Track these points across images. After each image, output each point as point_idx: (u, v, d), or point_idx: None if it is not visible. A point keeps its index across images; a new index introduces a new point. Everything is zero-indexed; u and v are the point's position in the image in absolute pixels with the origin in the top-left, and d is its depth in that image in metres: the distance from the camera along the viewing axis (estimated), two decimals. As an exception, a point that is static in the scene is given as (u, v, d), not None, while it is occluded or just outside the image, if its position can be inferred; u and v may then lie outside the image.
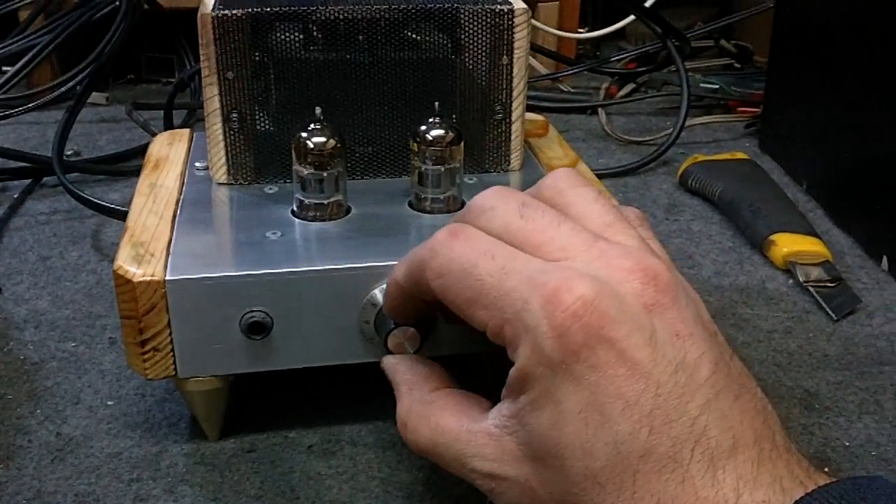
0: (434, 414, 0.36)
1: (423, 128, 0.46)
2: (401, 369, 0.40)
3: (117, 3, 0.75)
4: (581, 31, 1.02)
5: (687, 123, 0.83)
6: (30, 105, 0.75)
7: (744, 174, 0.70)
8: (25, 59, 0.74)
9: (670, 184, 0.75)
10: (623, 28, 0.98)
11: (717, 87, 0.93)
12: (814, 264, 0.60)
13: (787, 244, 0.61)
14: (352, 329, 0.42)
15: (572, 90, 0.95)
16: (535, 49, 0.95)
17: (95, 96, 0.90)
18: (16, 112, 0.75)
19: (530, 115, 0.58)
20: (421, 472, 0.43)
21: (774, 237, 0.62)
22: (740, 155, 0.74)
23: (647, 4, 0.86)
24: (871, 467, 0.44)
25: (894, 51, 0.60)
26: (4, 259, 0.62)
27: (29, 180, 0.72)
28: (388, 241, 0.44)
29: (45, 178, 0.72)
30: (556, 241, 0.33)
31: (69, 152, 0.76)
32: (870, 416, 0.48)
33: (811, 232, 0.63)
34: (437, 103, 0.46)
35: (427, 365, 0.40)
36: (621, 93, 0.93)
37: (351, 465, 0.44)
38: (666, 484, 0.29)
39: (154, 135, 0.59)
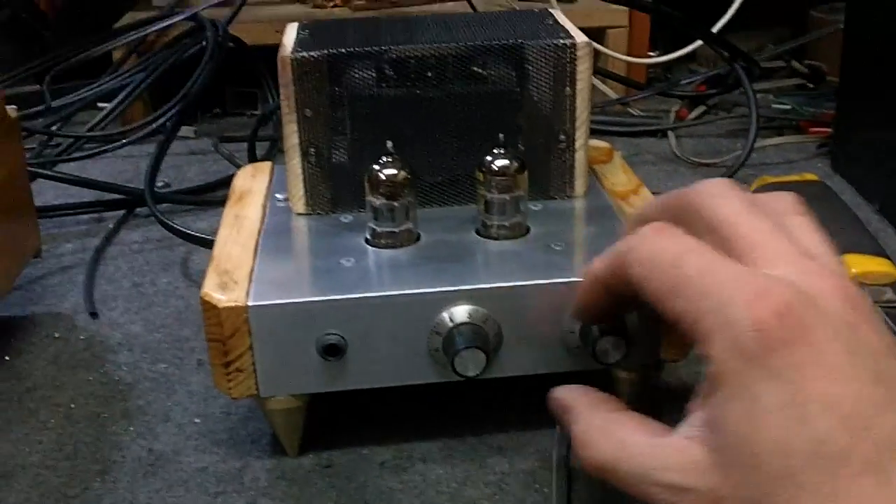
0: (618, 430, 0.37)
1: (489, 158, 0.48)
2: (576, 394, 0.40)
3: (204, 43, 0.80)
4: (652, 54, 1.03)
5: (758, 145, 0.84)
6: (124, 140, 0.80)
7: (812, 195, 0.69)
8: (120, 97, 0.79)
9: (740, 206, 0.75)
10: (693, 51, 0.98)
11: (789, 107, 0.93)
12: (883, 285, 0.60)
13: (855, 265, 0.61)
14: (421, 351, 0.45)
15: (642, 114, 0.96)
16: (605, 74, 0.96)
17: (184, 130, 0.94)
18: (111, 147, 0.80)
19: (595, 142, 0.60)
20: (488, 488, 0.45)
21: (843, 258, 0.62)
22: (809, 176, 0.74)
23: (715, 29, 0.87)
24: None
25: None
26: (101, 286, 0.66)
27: (123, 211, 0.76)
28: (456, 267, 0.46)
29: (137, 209, 0.77)
30: (769, 246, 0.34)
31: (160, 184, 0.81)
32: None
33: (881, 252, 0.63)
34: (501, 135, 0.48)
35: (601, 392, 0.41)
36: (691, 115, 0.94)
37: (421, 481, 0.46)
38: (865, 487, 0.29)
39: (238, 167, 0.62)
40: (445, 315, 0.44)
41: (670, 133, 0.90)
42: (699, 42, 0.91)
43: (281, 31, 0.55)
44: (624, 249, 0.37)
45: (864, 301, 0.33)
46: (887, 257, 0.62)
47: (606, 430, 0.37)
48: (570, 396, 0.41)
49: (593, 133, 0.87)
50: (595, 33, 0.96)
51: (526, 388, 0.49)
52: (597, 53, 0.98)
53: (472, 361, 0.44)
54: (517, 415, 0.50)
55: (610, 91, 0.97)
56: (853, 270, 0.61)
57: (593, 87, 0.98)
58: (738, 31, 0.99)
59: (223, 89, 1.01)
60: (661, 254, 0.35)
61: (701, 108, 0.95)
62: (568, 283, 0.44)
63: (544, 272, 0.45)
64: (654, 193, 0.55)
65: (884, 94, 0.72)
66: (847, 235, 0.65)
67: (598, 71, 0.97)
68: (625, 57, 0.95)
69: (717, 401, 0.33)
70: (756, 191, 0.73)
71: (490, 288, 0.44)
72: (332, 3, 0.99)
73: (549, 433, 0.48)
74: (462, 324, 0.44)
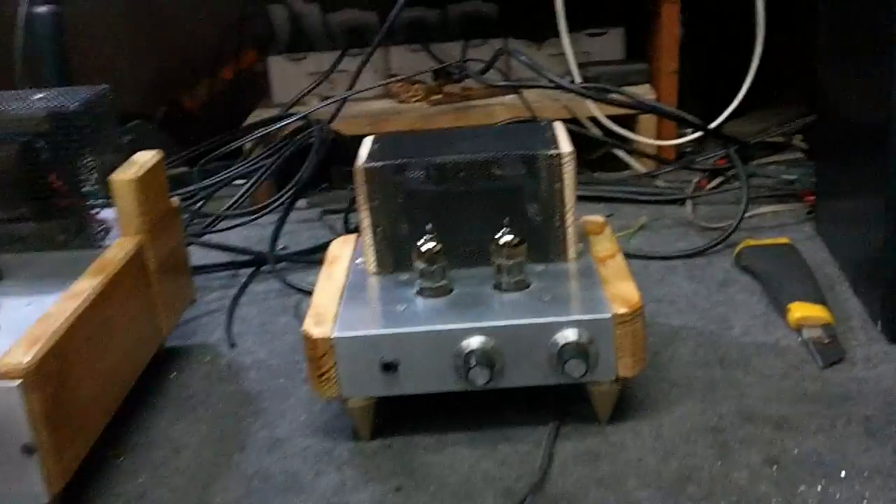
0: None
1: (498, 236, 0.69)
2: None
3: (312, 139, 1.04)
4: (686, 132, 1.22)
5: (757, 212, 1.02)
6: (255, 216, 1.05)
7: (780, 255, 0.89)
8: (253, 179, 1.04)
9: (729, 263, 0.94)
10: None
11: (795, 178, 1.11)
12: (818, 326, 0.78)
13: (798, 311, 0.80)
14: (449, 367, 0.66)
15: (666, 185, 1.15)
16: (639, 153, 1.17)
17: (299, 202, 1.19)
18: (245, 222, 1.05)
19: (592, 217, 0.81)
20: (496, 463, 0.66)
21: (791, 305, 0.81)
22: (782, 240, 0.92)
23: (715, 124, 1.06)
24: (813, 471, 0.62)
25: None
26: (238, 325, 0.90)
27: (252, 269, 1.01)
28: (474, 311, 0.68)
29: (263, 267, 1.01)
30: None
31: (281, 247, 1.05)
32: (823, 434, 0.66)
33: (821, 301, 0.81)
34: (507, 218, 0.70)
35: None
36: (710, 185, 1.13)
37: (451, 457, 0.67)
38: None
39: (337, 233, 0.85)
40: (464, 343, 0.66)
41: (689, 201, 1.09)
42: (701, 133, 1.10)
43: (372, 125, 0.78)
44: None
45: None
46: (825, 304, 0.81)
47: None
48: None
49: (624, 202, 1.08)
50: (627, 120, 1.17)
51: (525, 396, 0.70)
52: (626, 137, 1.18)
53: (481, 375, 0.65)
54: (519, 414, 0.70)
55: (639, 166, 1.17)
56: (797, 314, 0.80)
57: (623, 162, 1.18)
58: (754, 110, 1.18)
59: (329, 169, 1.26)
60: None
61: (719, 179, 1.14)
62: (545, 323, 0.65)
63: (533, 314, 0.66)
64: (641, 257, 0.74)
65: (849, 167, 0.89)
66: (799, 287, 0.83)
67: (632, 150, 1.17)
68: (646, 139, 1.15)
69: None
70: (740, 252, 0.93)
71: (495, 325, 0.66)
72: (414, 99, 1.22)
73: (541, 427, 0.69)
74: (475, 349, 0.65)
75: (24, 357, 0.57)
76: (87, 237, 0.75)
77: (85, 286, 0.66)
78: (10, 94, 0.74)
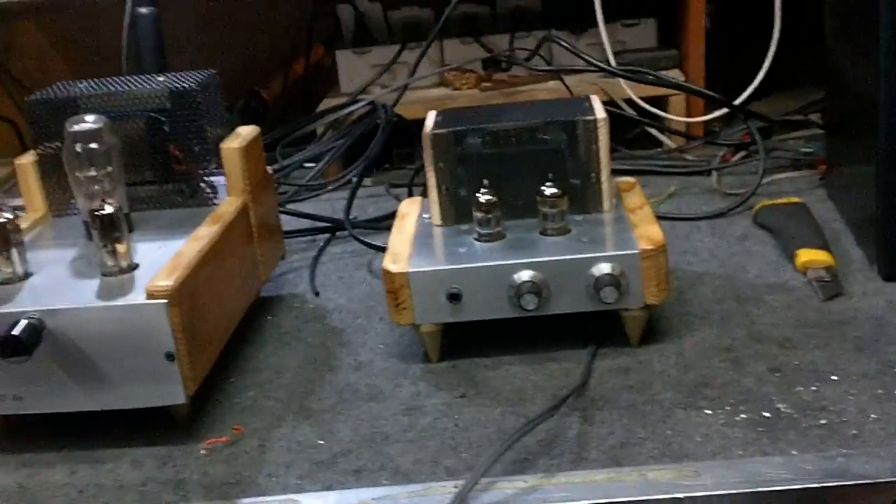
0: None
1: (543, 189, 0.83)
2: None
3: (378, 121, 1.19)
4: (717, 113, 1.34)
5: (774, 178, 1.14)
6: (330, 188, 1.20)
7: (792, 211, 1.01)
8: (325, 159, 1.19)
9: (748, 222, 1.07)
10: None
11: (811, 150, 1.23)
12: (821, 268, 0.90)
13: (805, 255, 0.92)
14: (504, 297, 0.80)
15: (694, 158, 1.28)
16: (670, 131, 1.29)
17: (364, 181, 1.33)
18: (320, 193, 1.20)
19: (624, 179, 0.94)
20: (544, 377, 0.79)
21: (799, 251, 0.93)
22: (794, 199, 1.04)
23: (738, 101, 1.19)
24: (809, 376, 0.75)
25: None
26: (319, 278, 1.05)
27: (328, 235, 1.15)
28: (524, 251, 0.81)
29: (338, 233, 1.16)
30: None
31: (352, 216, 1.19)
32: (820, 349, 0.79)
33: (825, 248, 0.93)
34: (550, 174, 0.83)
35: None
36: (734, 158, 1.25)
37: (506, 374, 0.80)
38: None
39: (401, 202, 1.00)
40: (516, 276, 0.79)
41: (714, 172, 1.21)
42: (725, 110, 1.23)
43: (429, 110, 0.92)
44: None
45: None
46: (829, 251, 0.93)
47: None
48: None
49: (656, 174, 1.21)
50: (659, 101, 1.30)
51: (568, 326, 0.83)
52: (658, 116, 1.31)
53: (531, 301, 0.78)
54: (563, 340, 0.84)
55: (669, 142, 1.30)
56: (803, 258, 0.92)
57: (656, 140, 1.31)
58: (776, 93, 1.31)
59: (391, 150, 1.40)
60: None
61: (742, 153, 1.26)
62: (583, 258, 0.79)
63: (574, 252, 0.80)
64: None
65: (851, 138, 1.01)
66: (806, 236, 0.96)
67: (664, 128, 1.30)
68: (675, 117, 1.28)
69: None
70: (757, 211, 1.05)
71: (542, 261, 0.79)
72: (466, 87, 1.36)
73: (581, 350, 0.82)
74: (526, 280, 0.79)
75: (168, 281, 0.72)
76: (200, 197, 0.89)
77: (205, 232, 0.81)
78: (137, 77, 0.89)
